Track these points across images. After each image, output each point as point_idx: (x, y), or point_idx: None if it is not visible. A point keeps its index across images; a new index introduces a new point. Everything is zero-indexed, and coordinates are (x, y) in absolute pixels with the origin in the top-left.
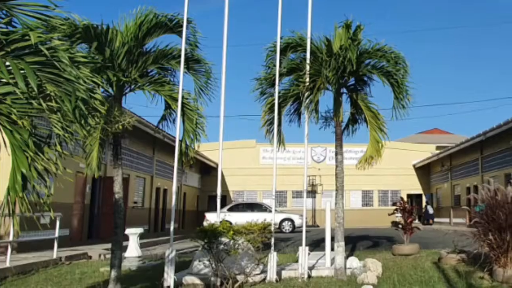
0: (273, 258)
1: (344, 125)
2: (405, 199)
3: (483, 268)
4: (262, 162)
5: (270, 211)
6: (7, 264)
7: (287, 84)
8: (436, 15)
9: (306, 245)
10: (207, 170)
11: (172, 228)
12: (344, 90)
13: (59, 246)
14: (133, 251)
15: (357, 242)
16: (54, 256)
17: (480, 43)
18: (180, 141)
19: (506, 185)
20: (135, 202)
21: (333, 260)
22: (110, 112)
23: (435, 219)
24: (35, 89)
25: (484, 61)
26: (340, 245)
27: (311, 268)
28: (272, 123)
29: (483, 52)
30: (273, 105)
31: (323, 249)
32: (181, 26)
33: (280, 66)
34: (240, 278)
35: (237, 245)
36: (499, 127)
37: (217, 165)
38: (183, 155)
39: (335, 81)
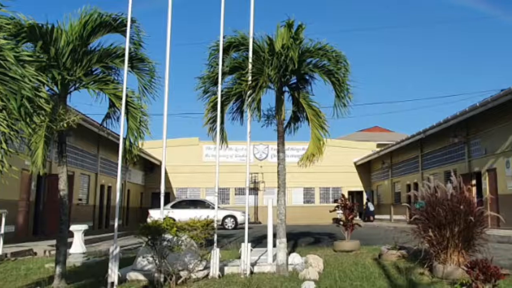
0: (216, 254)
1: (286, 123)
2: (346, 196)
3: (423, 264)
4: (205, 159)
5: (213, 208)
6: None
7: (230, 83)
8: (377, 15)
9: (248, 242)
10: (150, 168)
11: (116, 224)
12: (286, 88)
13: (4, 243)
14: (77, 247)
15: (299, 238)
16: (0, 253)
17: (419, 43)
18: (124, 139)
19: (445, 182)
20: (80, 199)
21: (275, 257)
22: (55, 110)
23: (376, 216)
24: None
25: (423, 60)
26: (282, 242)
27: (253, 264)
28: (215, 121)
29: (422, 51)
30: (216, 103)
31: (265, 245)
32: (125, 25)
33: (223, 65)
34: (183, 274)
35: (180, 242)
36: (439, 125)
37: (160, 162)
38: (127, 152)
39: (277, 80)
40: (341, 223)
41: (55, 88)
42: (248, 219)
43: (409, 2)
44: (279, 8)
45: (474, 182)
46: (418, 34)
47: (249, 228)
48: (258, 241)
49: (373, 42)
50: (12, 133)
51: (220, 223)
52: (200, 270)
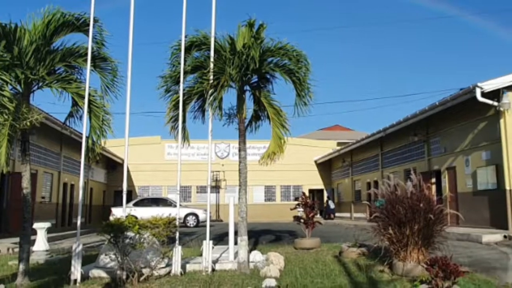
0: (177, 252)
1: (248, 121)
2: (307, 194)
3: (383, 261)
4: (167, 158)
5: (175, 206)
6: None
7: (191, 82)
8: (338, 15)
9: (210, 239)
10: (113, 166)
11: (79, 222)
12: (247, 87)
13: None
14: (41, 245)
15: (260, 236)
16: None
17: (379, 42)
18: (87, 137)
19: (405, 180)
20: (43, 197)
21: (236, 254)
22: (18, 109)
23: (336, 214)
24: None
25: (384, 59)
26: (244, 239)
27: (215, 262)
28: (177, 119)
29: (383, 50)
30: (178, 102)
31: (227, 243)
32: (88, 24)
33: (184, 64)
34: (146, 271)
35: (142, 239)
36: (399, 124)
37: (123, 160)
38: (90, 151)
39: (238, 79)
40: (302, 221)
41: (18, 87)
42: (210, 217)
43: (370, 1)
44: (241, 8)
45: (433, 180)
46: (378, 33)
47: (210, 226)
48: (220, 238)
49: (334, 41)
50: None
51: (182, 221)
52: (162, 268)
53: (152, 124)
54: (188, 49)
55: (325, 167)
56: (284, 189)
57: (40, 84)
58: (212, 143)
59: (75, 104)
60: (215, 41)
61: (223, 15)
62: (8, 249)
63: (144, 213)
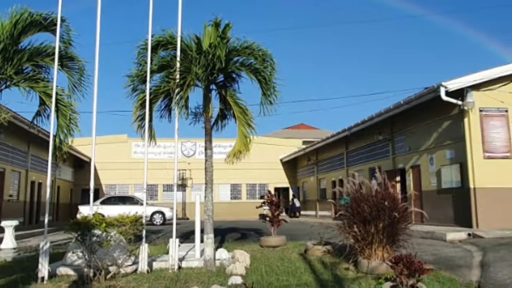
0: (144, 249)
1: (214, 120)
2: (273, 192)
3: (349, 259)
4: (134, 156)
5: (142, 204)
6: None
7: (158, 81)
8: (303, 14)
9: (176, 237)
10: (80, 164)
11: (46, 220)
12: (213, 86)
13: None
14: (8, 243)
15: (226, 234)
16: None
17: (345, 41)
18: (54, 136)
19: (370, 178)
20: (11, 195)
21: (202, 252)
22: None
23: (302, 212)
24: None
25: (349, 59)
26: (210, 237)
27: (181, 260)
28: (143, 118)
29: (348, 50)
30: (145, 101)
31: (193, 241)
32: (55, 24)
33: (151, 63)
34: (113, 269)
35: (109, 237)
36: (364, 123)
37: (90, 159)
38: (57, 149)
39: (204, 78)
40: (268, 219)
41: None
42: (176, 215)
43: (335, 1)
44: (207, 8)
45: (398, 178)
46: (344, 32)
47: (177, 224)
48: (186, 236)
49: (300, 40)
50: None
51: (148, 219)
52: (129, 265)
53: (119, 123)
54: (154, 49)
55: (291, 165)
56: (250, 187)
57: (8, 83)
58: (179, 141)
59: (42, 103)
60: (181, 41)
61: (190, 14)
62: None
63: (111, 211)
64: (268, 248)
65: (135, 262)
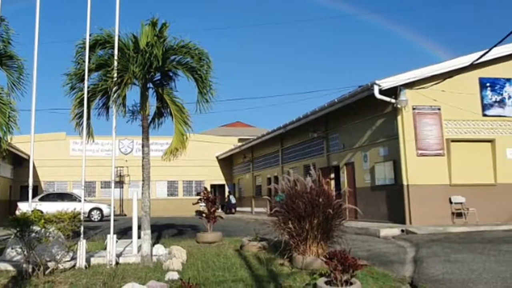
0: (82, 245)
1: (151, 118)
2: (209, 189)
3: (284, 255)
4: (72, 154)
5: (80, 201)
6: None
7: (96, 79)
8: (241, 13)
9: (114, 233)
10: (19, 162)
11: None
12: (150, 85)
13: None
14: None
15: (163, 230)
16: None
17: (281, 40)
18: None
19: (305, 175)
20: None
21: (140, 248)
22: None
23: (238, 208)
24: None
25: (286, 57)
26: (147, 233)
27: (119, 255)
28: (81, 116)
29: (284, 49)
30: (83, 99)
31: (130, 237)
32: None
33: (89, 62)
34: (51, 264)
35: (48, 233)
36: (299, 120)
37: (29, 156)
38: None
39: (142, 77)
40: (204, 215)
41: None
42: (114, 211)
43: (271, 0)
44: (145, 7)
45: (333, 175)
46: (280, 31)
47: (114, 220)
48: (124, 232)
49: (236, 39)
50: None
51: (86, 215)
52: (67, 261)
53: (58, 121)
54: (92, 48)
55: (227, 162)
56: (187, 184)
57: None
58: (116, 139)
59: None
60: (119, 40)
61: (128, 14)
62: None
63: (50, 207)
64: (204, 244)
65: (73, 258)
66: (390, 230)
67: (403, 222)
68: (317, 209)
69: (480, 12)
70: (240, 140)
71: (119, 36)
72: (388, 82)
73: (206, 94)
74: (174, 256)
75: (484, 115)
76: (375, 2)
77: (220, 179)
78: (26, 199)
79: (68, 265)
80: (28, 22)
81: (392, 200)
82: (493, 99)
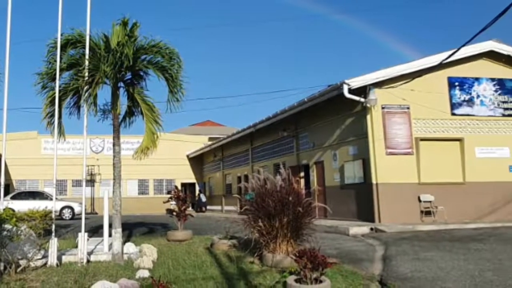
0: (54, 243)
1: (122, 117)
2: (179, 187)
3: (254, 253)
4: (44, 152)
5: (51, 199)
6: None
7: (67, 79)
8: (212, 13)
9: (85, 232)
10: None
11: None
12: (121, 84)
13: None
14: None
15: (134, 228)
16: None
17: (253, 40)
18: None
19: (275, 174)
20: None
21: (111, 246)
22: None
23: (208, 207)
24: None
25: (257, 57)
26: (118, 232)
27: (90, 253)
28: (53, 115)
29: (256, 48)
30: (54, 98)
31: (101, 235)
32: None
33: (60, 61)
34: (23, 262)
35: (19, 232)
36: (268, 119)
37: (0, 155)
38: None
39: (113, 76)
40: (174, 213)
41: None
42: (85, 210)
43: (242, 1)
44: (117, 7)
45: (302, 174)
46: (250, 31)
47: (86, 218)
48: (95, 231)
49: (207, 38)
50: None
51: (58, 213)
52: (39, 259)
53: (30, 120)
54: (64, 47)
55: (197, 161)
56: (157, 182)
57: None
58: (87, 138)
59: None
60: (90, 39)
61: (99, 14)
62: None
63: (21, 206)
64: (175, 242)
65: (45, 256)
66: (359, 228)
67: (372, 220)
68: (287, 207)
69: (449, 13)
70: (210, 139)
71: (90, 36)
72: (357, 82)
73: (176, 93)
74: (145, 254)
75: (453, 114)
76: (345, 2)
77: (190, 178)
78: None
79: (39, 263)
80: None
81: (362, 199)
82: (462, 98)
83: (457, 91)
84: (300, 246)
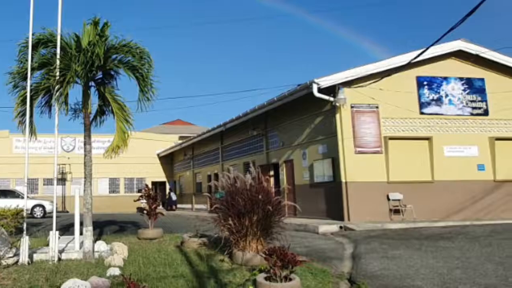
0: (25, 242)
1: (93, 116)
2: (150, 186)
3: (224, 251)
4: (15, 151)
5: (23, 198)
6: None
7: (39, 78)
8: (181, 13)
9: (56, 230)
10: None
11: None
12: (92, 83)
13: None
14: None
15: (105, 227)
16: None
17: (223, 39)
18: None
19: (245, 173)
20: None
21: (82, 244)
22: None
23: (178, 205)
24: None
25: (227, 56)
26: (89, 230)
27: (61, 252)
28: (24, 114)
29: (226, 48)
30: (26, 97)
31: (73, 233)
32: None
33: (32, 60)
34: None
35: None
36: (238, 119)
37: None
38: None
39: (84, 75)
40: (145, 212)
41: None
42: (56, 208)
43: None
44: (88, 6)
45: (272, 173)
46: (222, 31)
47: (57, 217)
48: (66, 229)
49: (178, 38)
50: None
51: (29, 212)
52: (10, 257)
53: (1, 119)
54: (35, 47)
55: (168, 160)
56: (128, 181)
57: None
58: (59, 137)
59: None
60: (61, 39)
61: (71, 14)
62: None
63: None
64: (145, 240)
65: (16, 254)
66: (328, 227)
67: (341, 218)
68: (257, 206)
69: (418, 13)
70: (181, 137)
71: (61, 35)
72: (326, 81)
73: (147, 92)
74: (116, 252)
75: (422, 113)
76: (316, 1)
77: (161, 176)
78: None
79: (11, 261)
80: None
81: (331, 197)
82: (430, 98)
83: (425, 91)
84: (270, 244)
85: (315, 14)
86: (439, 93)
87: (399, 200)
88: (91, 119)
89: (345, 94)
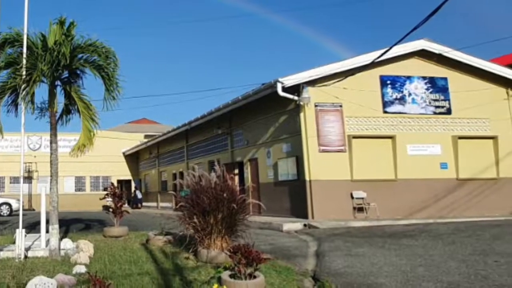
0: None
1: (59, 115)
2: (116, 184)
3: (189, 249)
4: None
5: None
6: None
7: (5, 77)
8: (149, 12)
9: (22, 228)
10: None
11: None
12: (58, 82)
13: None
14: None
15: (71, 224)
16: None
17: (189, 38)
18: None
19: (210, 171)
20: None
21: (48, 242)
22: None
23: (144, 203)
24: None
25: (191, 55)
26: (55, 228)
27: (27, 249)
28: None
29: (189, 47)
30: None
31: (39, 231)
32: None
33: None
34: None
35: None
36: (203, 117)
37: None
38: None
39: (50, 74)
40: (111, 210)
41: None
42: (23, 206)
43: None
44: (55, 6)
45: (237, 171)
46: (185, 30)
47: (23, 215)
48: (32, 227)
49: (143, 38)
50: None
51: None
52: None
53: None
54: (2, 46)
55: (133, 158)
56: (94, 179)
57: None
58: (25, 135)
59: None
60: (27, 38)
61: (38, 14)
62: None
63: None
64: (111, 238)
65: None
66: (293, 225)
67: (305, 217)
68: (222, 204)
69: (381, 13)
70: (146, 136)
71: (27, 35)
72: (291, 80)
73: (113, 91)
74: (82, 250)
75: (385, 112)
76: (277, 1)
77: (126, 175)
78: None
79: None
80: None
81: (295, 195)
82: (394, 97)
83: (389, 90)
84: (234, 242)
85: (278, 13)
86: (402, 92)
87: (362, 198)
88: (57, 118)
89: (309, 93)
